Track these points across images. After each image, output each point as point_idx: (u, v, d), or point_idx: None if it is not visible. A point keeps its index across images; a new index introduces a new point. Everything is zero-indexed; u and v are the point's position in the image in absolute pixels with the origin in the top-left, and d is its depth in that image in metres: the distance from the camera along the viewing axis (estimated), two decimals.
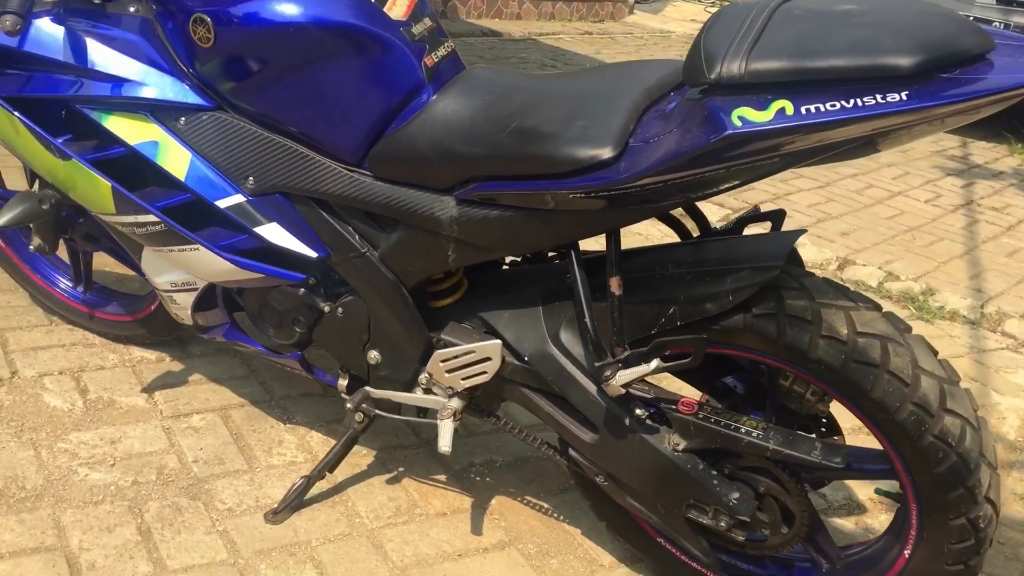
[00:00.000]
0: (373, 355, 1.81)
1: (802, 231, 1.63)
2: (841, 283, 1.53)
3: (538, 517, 2.05)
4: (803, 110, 1.21)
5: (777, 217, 1.67)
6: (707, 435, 1.60)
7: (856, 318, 1.45)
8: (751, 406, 1.69)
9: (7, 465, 1.89)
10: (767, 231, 1.66)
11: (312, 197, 1.69)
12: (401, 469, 2.11)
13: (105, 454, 1.98)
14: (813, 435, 1.59)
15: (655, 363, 1.49)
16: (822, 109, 1.20)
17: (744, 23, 1.30)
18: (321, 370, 1.97)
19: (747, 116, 1.23)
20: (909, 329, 1.49)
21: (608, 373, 1.53)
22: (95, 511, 1.82)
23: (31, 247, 2.13)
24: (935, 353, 1.48)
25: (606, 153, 1.40)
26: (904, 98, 1.17)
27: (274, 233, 1.72)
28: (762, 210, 1.70)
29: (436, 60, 1.66)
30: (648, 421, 1.63)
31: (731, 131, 1.24)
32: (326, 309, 1.81)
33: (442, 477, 2.12)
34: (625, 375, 1.52)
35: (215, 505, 1.90)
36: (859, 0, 1.31)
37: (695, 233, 1.71)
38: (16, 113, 1.76)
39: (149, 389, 2.22)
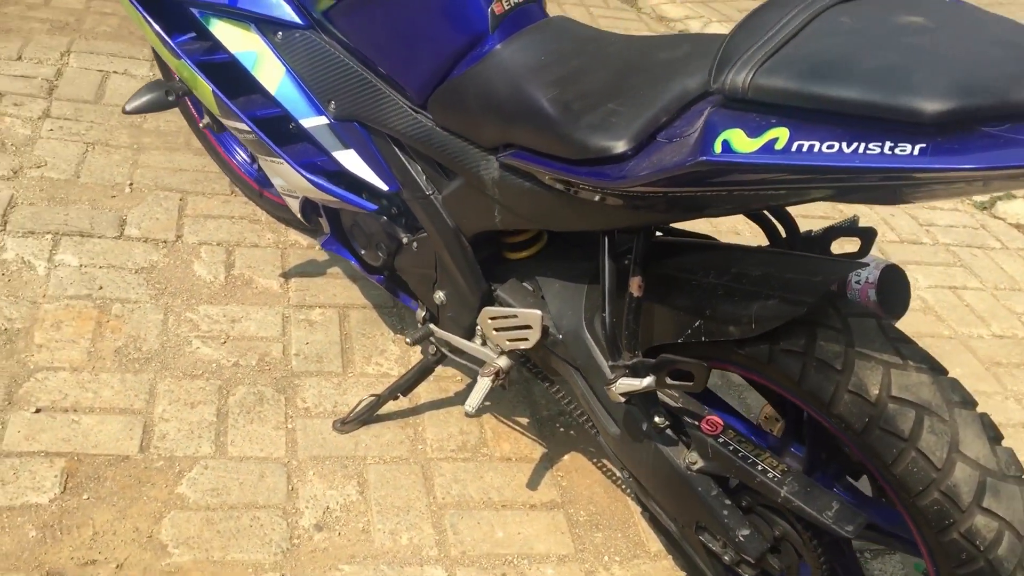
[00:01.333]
0: (439, 295, 1.76)
1: (870, 262, 1.31)
2: (908, 337, 1.22)
3: (603, 484, 1.92)
4: (795, 146, 0.96)
5: (867, 236, 1.36)
6: (723, 462, 1.39)
7: (895, 378, 1.15)
8: (797, 437, 1.43)
9: (135, 325, 2.09)
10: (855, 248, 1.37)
11: (384, 132, 1.65)
12: (487, 403, 2.06)
13: (222, 331, 2.13)
14: (835, 491, 1.33)
15: (651, 380, 1.31)
16: (816, 149, 0.95)
17: (779, 24, 1.04)
18: (406, 295, 1.94)
19: (732, 142, 1.01)
20: (971, 403, 1.16)
21: (611, 377, 1.37)
22: (188, 385, 1.97)
23: (200, 124, 2.27)
24: (996, 439, 1.15)
25: (619, 147, 1.22)
26: (916, 152, 0.88)
27: (351, 160, 1.70)
28: (860, 224, 1.39)
29: (506, 7, 1.50)
30: (668, 431, 1.45)
31: (705, 158, 1.02)
32: (404, 240, 1.78)
33: (524, 421, 2.05)
34: (624, 384, 1.35)
35: (295, 402, 1.98)
36: (933, 12, 0.98)
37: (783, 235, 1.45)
38: (140, 8, 1.84)
39: (287, 275, 2.33)
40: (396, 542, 1.73)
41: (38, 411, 1.82)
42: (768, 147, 0.97)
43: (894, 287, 1.32)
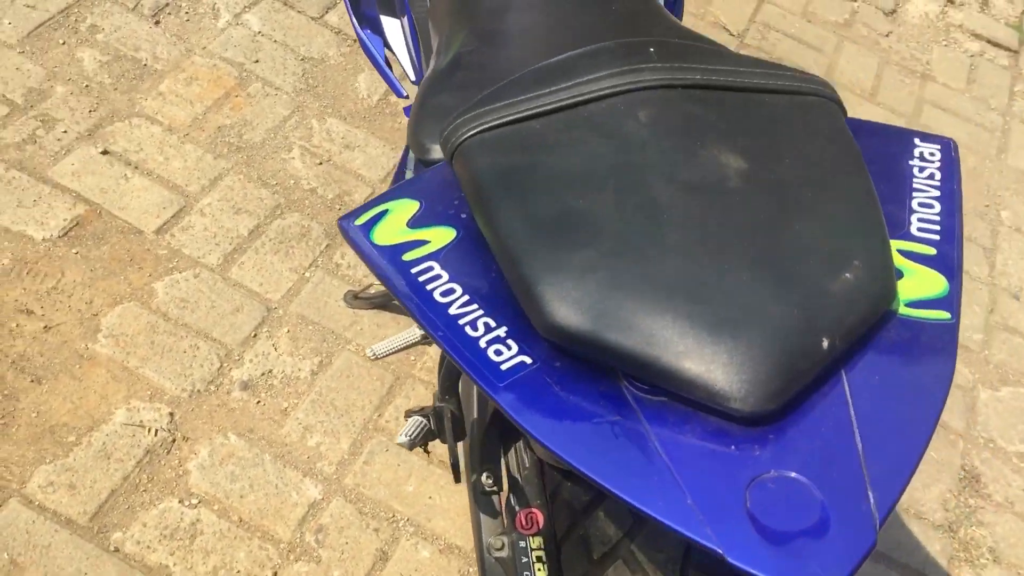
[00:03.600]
0: None
1: None
2: None
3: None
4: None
5: None
6: (509, 564, 1.06)
7: None
8: None
9: (256, 110, 2.03)
10: None
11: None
12: None
13: (327, 152, 2.01)
14: None
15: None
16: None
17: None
18: None
19: None
20: None
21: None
22: (252, 190, 1.89)
23: None
24: None
25: None
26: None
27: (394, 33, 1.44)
28: None
29: None
30: (492, 500, 1.13)
31: None
32: None
33: None
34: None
35: (333, 254, 1.84)
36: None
37: None
38: None
39: None
40: (303, 440, 1.58)
41: (104, 152, 1.84)
42: None
43: None
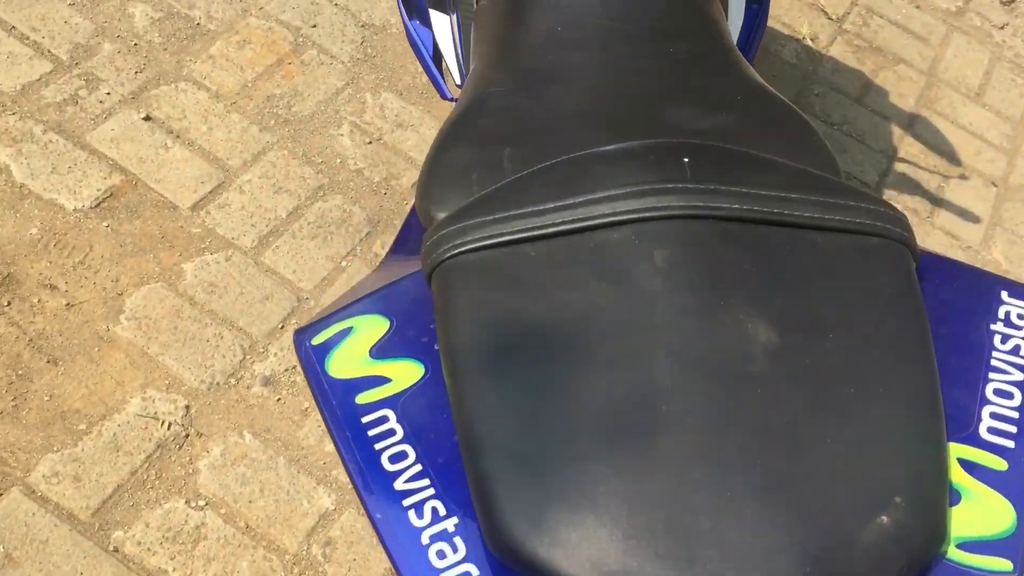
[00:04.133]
0: None
1: None
2: None
3: None
4: None
5: None
6: None
7: None
8: None
9: (309, 80, 1.93)
10: None
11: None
12: None
13: (378, 129, 1.90)
14: None
15: None
16: None
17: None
18: None
19: None
20: None
21: None
22: (296, 168, 1.81)
23: None
24: None
25: None
26: None
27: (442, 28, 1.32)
28: None
29: None
30: None
31: None
32: None
33: None
34: None
35: (374, 243, 1.75)
36: None
37: None
38: None
39: None
40: (320, 444, 1.50)
41: (147, 118, 1.77)
42: None
43: None
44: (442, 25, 1.32)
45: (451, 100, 1.37)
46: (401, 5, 1.38)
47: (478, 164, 0.79)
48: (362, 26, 2.03)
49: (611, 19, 0.90)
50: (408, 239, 0.94)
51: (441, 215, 0.76)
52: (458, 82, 1.30)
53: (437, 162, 0.82)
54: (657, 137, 0.76)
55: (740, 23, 1.30)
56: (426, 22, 1.36)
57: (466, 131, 0.85)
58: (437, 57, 1.36)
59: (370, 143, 1.87)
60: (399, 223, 1.77)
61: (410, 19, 1.38)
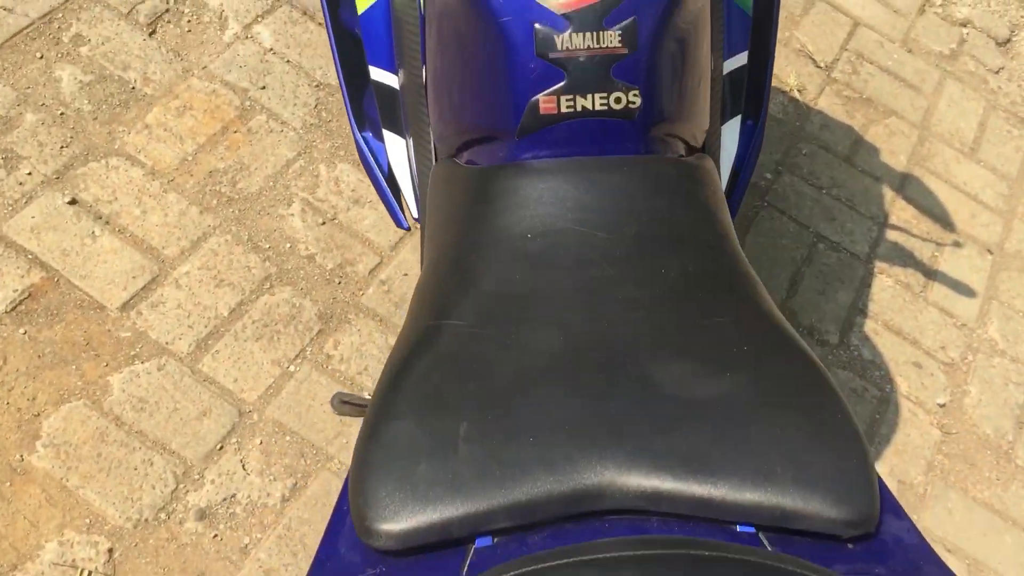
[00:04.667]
0: None
1: None
2: None
3: None
4: None
5: None
6: None
7: None
8: None
9: (257, 151, 1.76)
10: None
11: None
12: None
13: (332, 207, 1.74)
14: None
15: None
16: None
17: None
18: None
19: None
20: None
21: None
22: (240, 256, 1.64)
23: None
24: None
25: None
26: None
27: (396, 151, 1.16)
28: None
29: (560, 110, 0.83)
30: None
31: None
32: None
33: None
34: None
35: (325, 342, 1.59)
36: None
37: None
38: None
39: None
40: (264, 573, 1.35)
41: (73, 202, 1.60)
42: None
43: None
44: (397, 147, 1.16)
45: (407, 229, 1.22)
46: (351, 114, 1.21)
47: (428, 453, 0.64)
48: (316, 86, 1.86)
49: (591, 227, 0.75)
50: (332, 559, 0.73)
51: (388, 530, 0.60)
52: (414, 214, 1.14)
53: (371, 454, 0.66)
54: (639, 439, 0.61)
55: (734, 148, 1.15)
56: (379, 135, 1.20)
57: (412, 394, 0.70)
58: (391, 177, 1.20)
59: (323, 223, 1.70)
60: (354, 318, 1.61)
61: (361, 131, 1.22)
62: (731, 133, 1.14)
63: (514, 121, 0.82)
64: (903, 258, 2.07)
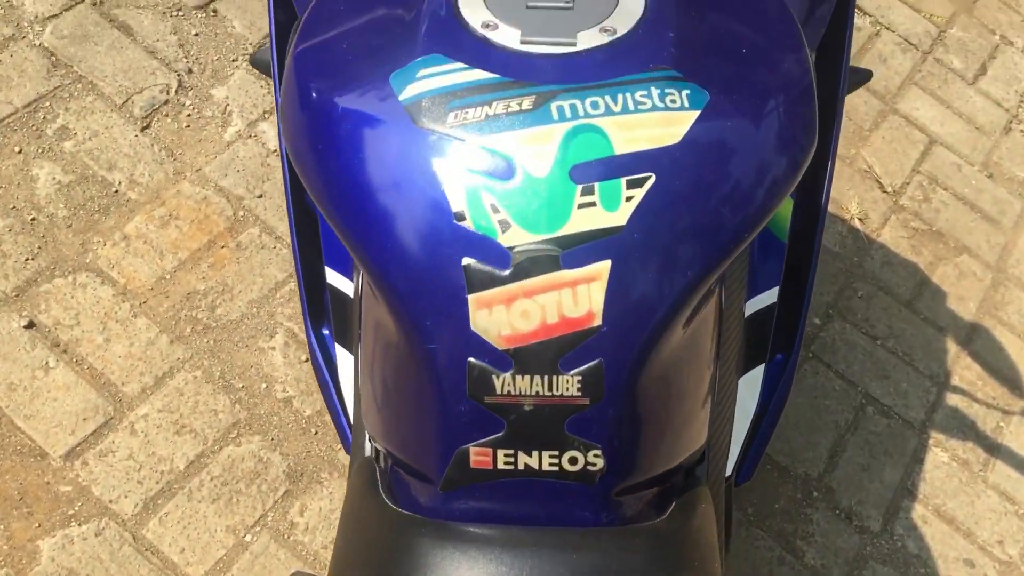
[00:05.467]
0: None
1: None
2: None
3: None
4: None
5: None
6: None
7: None
8: None
9: (244, 270, 1.59)
10: None
11: None
12: None
13: None
14: None
15: None
16: None
17: None
18: None
19: None
20: None
21: None
22: (208, 396, 1.47)
23: None
24: None
25: None
26: None
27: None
28: None
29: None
30: None
31: None
32: None
33: None
34: None
35: (291, 507, 1.41)
36: None
37: None
38: None
39: None
40: None
41: (30, 325, 1.44)
42: None
43: None
44: (346, 364, 0.99)
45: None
46: (305, 311, 1.04)
47: None
48: None
49: None
50: None
51: None
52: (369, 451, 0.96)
53: None
54: None
55: (755, 402, 0.95)
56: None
57: None
58: (340, 394, 1.02)
59: (307, 360, 1.53)
60: (327, 477, 1.43)
61: (319, 328, 1.04)
62: (750, 387, 0.94)
63: (438, 469, 0.63)
64: (963, 429, 1.83)
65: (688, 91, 0.62)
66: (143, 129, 1.66)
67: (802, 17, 0.91)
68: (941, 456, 1.78)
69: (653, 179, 0.60)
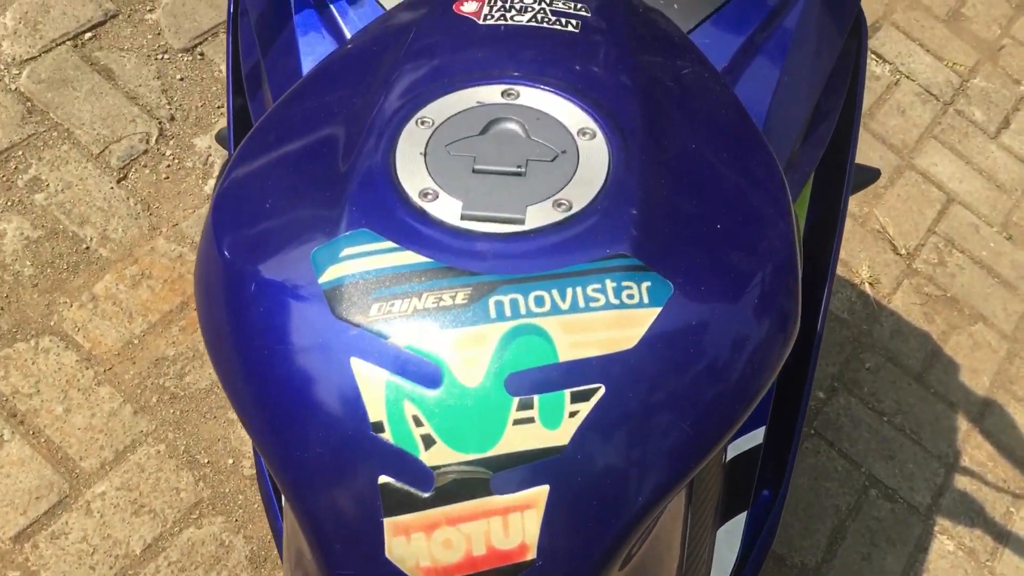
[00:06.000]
0: None
1: None
2: None
3: None
4: None
5: None
6: None
7: None
8: None
9: None
10: None
11: None
12: None
13: None
14: None
15: None
16: None
17: None
18: None
19: None
20: None
21: None
22: (172, 472, 1.40)
23: None
24: None
25: None
26: None
27: None
28: None
29: None
30: None
31: None
32: None
33: None
34: None
35: None
36: None
37: None
38: None
39: None
40: None
41: None
42: None
43: None
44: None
45: None
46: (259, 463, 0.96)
47: None
48: None
49: None
50: None
51: None
52: None
53: None
54: None
55: (734, 553, 0.86)
56: None
57: None
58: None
59: None
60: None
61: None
62: (730, 537, 0.86)
63: None
64: (971, 514, 1.74)
65: (649, 283, 0.54)
66: (119, 181, 1.59)
67: (801, 139, 0.83)
68: (947, 544, 1.69)
69: (602, 391, 0.52)
